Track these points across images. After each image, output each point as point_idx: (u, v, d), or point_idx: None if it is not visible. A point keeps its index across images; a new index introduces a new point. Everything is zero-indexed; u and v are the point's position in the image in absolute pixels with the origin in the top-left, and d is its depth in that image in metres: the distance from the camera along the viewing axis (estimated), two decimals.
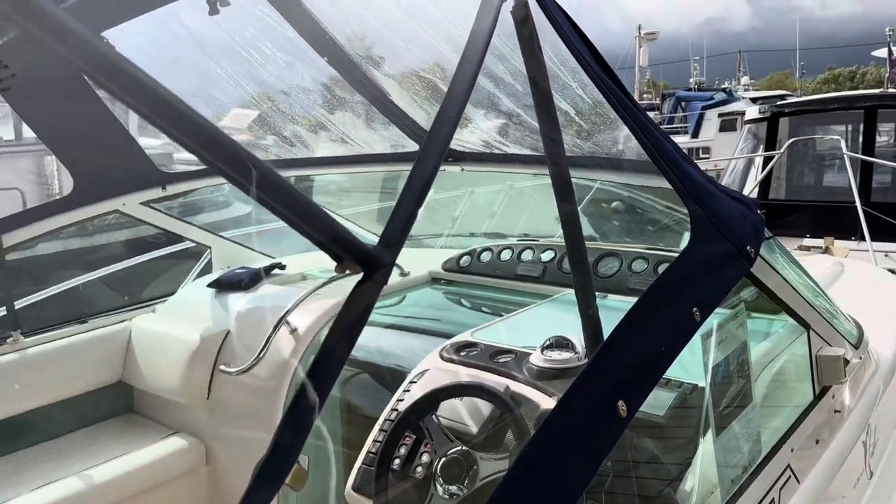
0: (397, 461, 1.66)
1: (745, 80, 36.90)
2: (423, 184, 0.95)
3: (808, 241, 6.21)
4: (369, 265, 0.84)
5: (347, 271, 0.85)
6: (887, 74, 8.12)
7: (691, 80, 33.32)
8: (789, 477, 1.60)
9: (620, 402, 1.03)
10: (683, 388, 1.55)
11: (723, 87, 31.15)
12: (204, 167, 3.00)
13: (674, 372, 1.52)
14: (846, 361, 1.85)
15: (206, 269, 3.17)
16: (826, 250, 5.74)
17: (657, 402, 1.51)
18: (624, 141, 1.53)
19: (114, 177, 2.79)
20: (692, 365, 1.53)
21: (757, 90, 34.91)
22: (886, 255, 6.08)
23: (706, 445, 1.42)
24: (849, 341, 2.02)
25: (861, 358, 2.14)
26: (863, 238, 5.88)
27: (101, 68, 0.75)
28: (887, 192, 6.73)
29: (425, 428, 1.64)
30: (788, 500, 1.58)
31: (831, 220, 6.41)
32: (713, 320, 1.48)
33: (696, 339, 1.38)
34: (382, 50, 2.15)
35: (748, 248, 1.41)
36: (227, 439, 2.60)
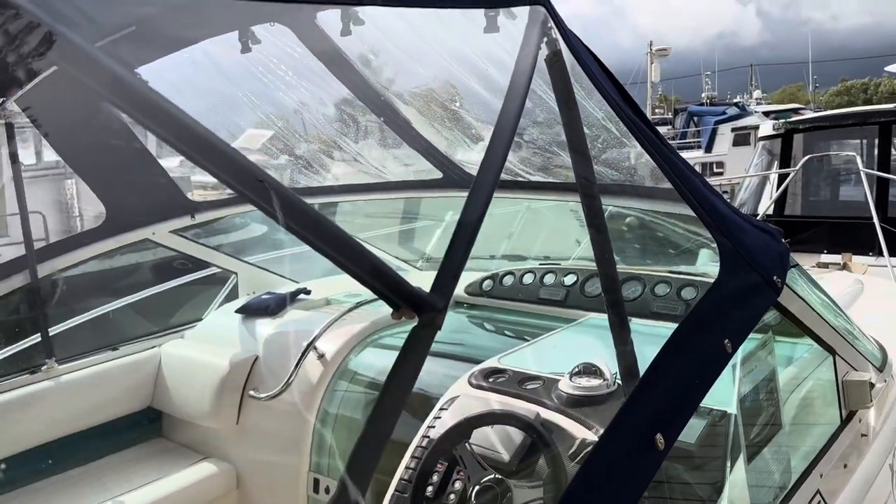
0: (430, 489, 1.68)
1: (757, 93, 36.89)
2: (471, 231, 0.99)
3: (825, 258, 6.20)
4: (423, 311, 0.88)
5: (404, 318, 0.89)
6: None
7: (703, 95, 33.34)
8: (819, 502, 1.62)
9: (658, 436, 1.06)
10: (713, 414, 1.58)
11: (735, 101, 31.14)
12: (232, 195, 3.07)
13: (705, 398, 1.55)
14: (872, 385, 1.87)
15: (232, 295, 3.23)
16: (844, 266, 5.73)
17: (688, 429, 1.54)
18: (654, 176, 1.57)
19: (144, 206, 2.86)
20: (721, 391, 1.56)
21: (769, 104, 34.88)
22: None
23: (737, 472, 1.45)
24: (873, 364, 2.03)
25: (886, 381, 2.15)
26: (881, 253, 5.86)
27: (134, 103, 0.80)
28: None
29: (458, 456, 1.67)
30: None
31: (848, 236, 6.39)
32: (743, 347, 1.51)
33: (728, 366, 1.41)
34: (407, 82, 2.21)
35: (775, 277, 1.44)
36: (256, 464, 2.64)
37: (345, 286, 3.14)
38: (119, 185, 2.77)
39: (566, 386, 1.75)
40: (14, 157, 2.49)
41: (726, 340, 1.24)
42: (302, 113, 2.57)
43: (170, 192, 2.90)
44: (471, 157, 2.43)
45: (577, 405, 1.70)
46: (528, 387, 1.86)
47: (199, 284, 3.17)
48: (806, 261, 5.99)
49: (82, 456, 2.70)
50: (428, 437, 1.84)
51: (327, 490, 2.47)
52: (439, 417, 1.90)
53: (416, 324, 0.90)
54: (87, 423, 2.74)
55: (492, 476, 1.59)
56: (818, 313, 1.70)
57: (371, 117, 2.39)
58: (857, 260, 5.96)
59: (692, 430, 1.54)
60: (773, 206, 6.87)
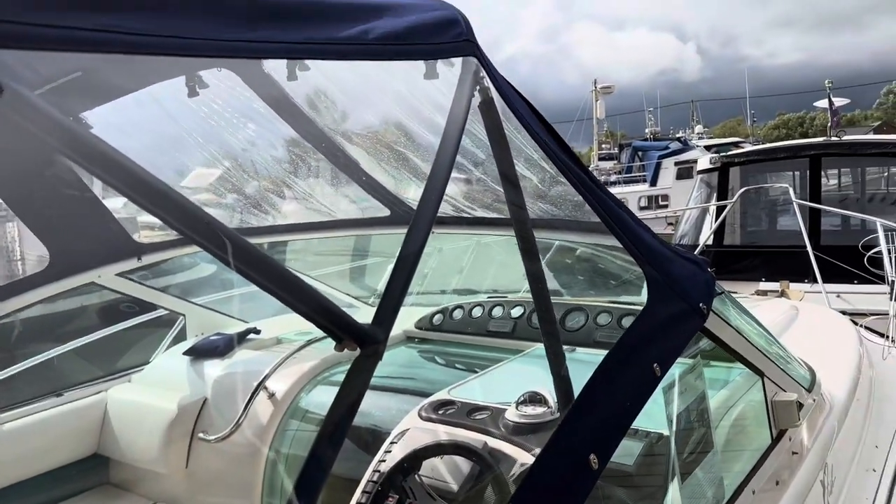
0: None
1: (698, 128, 38.20)
2: (411, 264, 1.05)
3: (764, 286, 6.45)
4: (366, 343, 0.93)
5: (346, 350, 0.93)
6: (829, 124, 8.58)
7: (647, 131, 34.39)
8: None
9: (592, 456, 1.12)
10: (650, 437, 1.65)
11: (677, 136, 32.19)
12: (179, 237, 3.07)
13: (640, 422, 1.62)
14: (800, 405, 1.97)
15: (181, 337, 3.21)
16: (782, 293, 5.97)
17: (626, 451, 1.60)
18: (586, 210, 1.65)
19: (89, 249, 2.84)
20: (657, 415, 1.64)
21: (710, 137, 36.13)
22: (839, 296, 6.31)
23: (673, 492, 1.51)
24: (802, 385, 2.14)
25: (815, 400, 2.26)
26: (815, 280, 6.12)
27: (76, 149, 0.83)
28: (836, 236, 7.03)
29: (408, 488, 1.70)
30: None
31: (785, 264, 6.65)
32: (674, 371, 1.59)
33: (659, 390, 1.48)
34: (352, 124, 2.28)
35: (701, 305, 1.53)
36: None
37: (295, 325, 3.15)
38: (62, 229, 2.75)
39: (512, 415, 1.81)
40: None
41: (655, 365, 1.31)
42: (251, 154, 2.61)
43: (115, 235, 2.89)
44: (416, 195, 2.50)
45: (522, 433, 1.76)
46: (476, 417, 1.91)
47: (147, 327, 3.14)
48: (745, 288, 6.22)
49: None
50: (378, 471, 1.86)
51: None
52: (389, 451, 1.93)
53: (357, 354, 0.95)
54: (32, 470, 2.67)
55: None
56: (746, 338, 1.80)
57: (319, 157, 2.45)
58: (794, 287, 6.22)
59: (630, 452, 1.61)
60: (712, 236, 7.13)
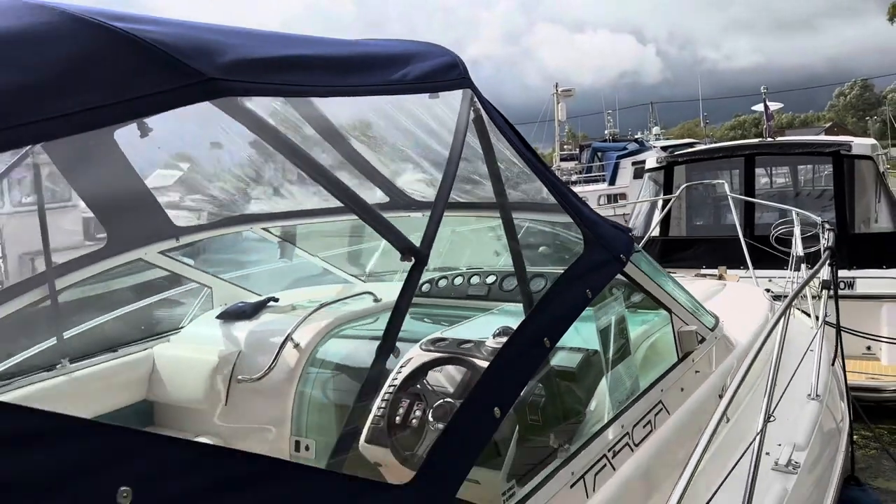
0: (398, 418, 2.36)
1: (655, 130, 39.55)
2: (439, 214, 1.71)
3: (704, 271, 7.24)
4: (419, 257, 1.59)
5: (405, 261, 1.59)
6: (764, 126, 9.48)
7: (606, 132, 35.54)
8: (661, 409, 2.41)
9: (545, 339, 1.81)
10: (588, 351, 2.35)
11: (635, 137, 33.37)
12: (210, 222, 3.70)
13: (580, 343, 2.32)
14: (699, 336, 2.70)
15: (207, 306, 3.82)
16: (720, 277, 6.77)
17: (571, 360, 2.29)
18: (539, 192, 2.32)
19: (139, 232, 3.45)
20: (592, 337, 2.34)
21: (668, 139, 37.44)
22: (770, 280, 7.13)
23: (603, 382, 2.22)
24: (705, 325, 2.87)
25: (717, 338, 3.00)
26: (749, 267, 6.93)
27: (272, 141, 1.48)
28: (768, 227, 7.87)
29: (419, 393, 2.37)
30: (661, 425, 2.38)
31: (723, 252, 7.41)
32: (602, 302, 2.30)
33: (593, 320, 2.19)
34: (365, 129, 2.92)
35: (621, 255, 2.24)
36: (244, 434, 3.23)
37: (305, 295, 3.80)
38: (119, 215, 3.36)
39: (490, 343, 2.48)
40: (38, 190, 3.05)
41: (587, 290, 2.01)
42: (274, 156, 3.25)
43: (159, 219, 3.49)
44: (412, 186, 3.16)
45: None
46: (463, 346, 2.57)
47: (181, 297, 3.75)
48: (688, 273, 7.00)
49: None
50: (393, 384, 2.51)
51: (307, 447, 3.09)
52: (399, 372, 2.58)
53: (412, 264, 1.60)
54: (93, 412, 3.26)
55: (442, 400, 2.28)
56: (656, 283, 2.52)
57: (335, 154, 3.09)
58: (731, 272, 7.02)
59: (574, 360, 2.30)
60: (658, 227, 7.93)
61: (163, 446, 1.03)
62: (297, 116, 2.51)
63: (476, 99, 1.94)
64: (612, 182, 25.38)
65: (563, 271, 2.02)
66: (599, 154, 29.05)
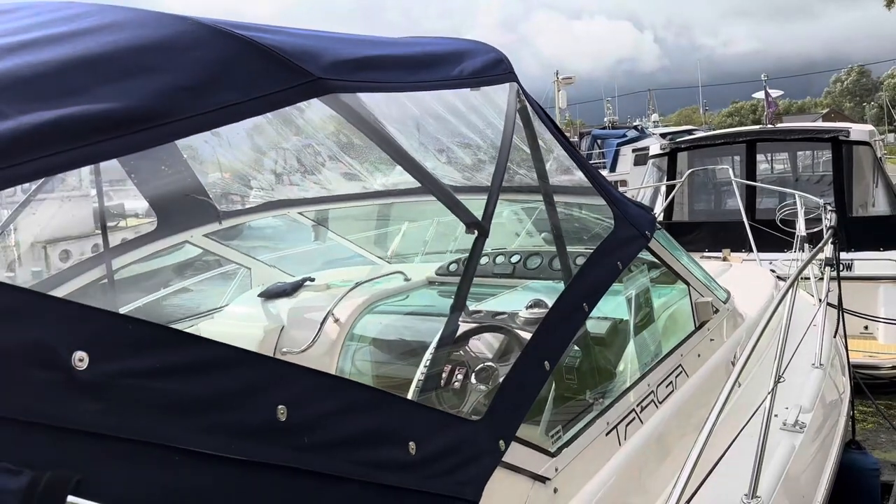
0: (441, 382, 2.61)
1: (654, 117, 39.76)
2: (496, 195, 1.93)
3: (708, 254, 7.50)
4: (481, 230, 1.82)
5: (468, 234, 1.82)
6: (765, 113, 9.70)
7: (605, 119, 35.77)
8: (681, 371, 2.66)
9: (584, 304, 2.05)
10: (615, 320, 2.59)
11: (634, 124, 33.57)
12: (249, 206, 3.94)
13: (608, 311, 2.57)
14: (714, 307, 2.95)
15: (246, 285, 4.07)
16: (724, 259, 7.02)
17: (601, 327, 2.54)
18: (575, 176, 2.56)
19: (186, 215, 3.68)
20: (619, 306, 2.58)
21: (667, 126, 37.65)
22: (771, 263, 7.38)
23: (630, 346, 2.47)
24: (718, 297, 3.12)
25: (729, 310, 3.25)
26: (752, 250, 7.18)
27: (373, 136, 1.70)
28: (770, 212, 8.11)
29: (462, 359, 2.61)
30: (681, 386, 2.63)
31: (726, 236, 7.64)
32: (630, 275, 2.54)
33: (621, 287, 2.43)
34: (405, 118, 3.14)
35: (646, 232, 2.48)
36: None
37: (337, 276, 4.04)
38: (168, 200, 3.59)
39: (524, 313, 2.72)
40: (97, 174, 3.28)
41: (618, 262, 2.25)
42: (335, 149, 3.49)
43: (204, 204, 3.73)
44: (446, 172, 3.39)
45: (531, 324, 2.67)
46: (499, 317, 2.82)
47: (222, 277, 3.99)
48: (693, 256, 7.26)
49: None
50: (435, 352, 2.75)
51: None
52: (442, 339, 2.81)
53: (476, 236, 1.84)
54: None
55: (483, 364, 2.53)
56: (676, 258, 2.76)
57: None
58: (734, 255, 7.27)
59: (604, 327, 2.54)
60: (663, 213, 8.17)
61: (307, 376, 1.27)
62: (381, 108, 2.74)
63: (521, 91, 2.18)
64: (612, 169, 25.61)
65: (596, 247, 2.26)
66: (599, 141, 29.27)
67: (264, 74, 1.41)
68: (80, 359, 0.92)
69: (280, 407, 1.16)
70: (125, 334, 1.00)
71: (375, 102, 1.81)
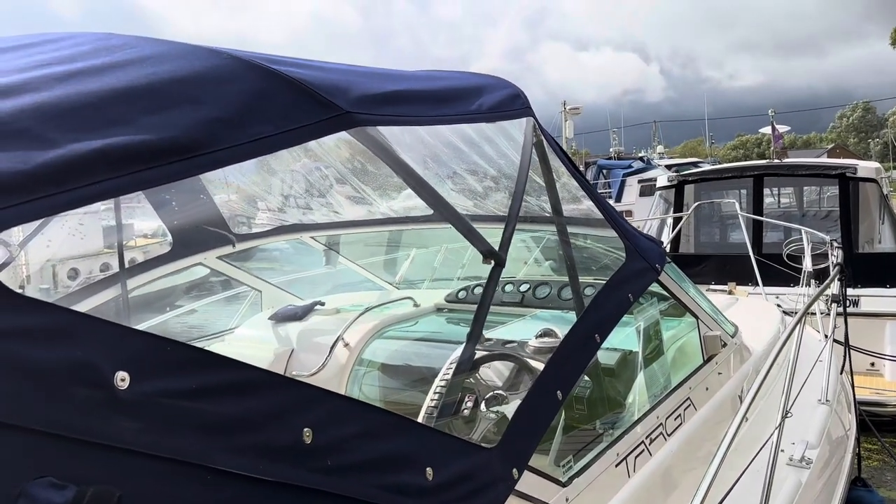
0: (452, 407, 2.62)
1: (659, 148, 39.93)
2: (512, 226, 1.98)
3: (714, 287, 7.52)
4: (498, 260, 1.87)
5: (485, 263, 1.86)
6: (772, 148, 9.78)
7: (611, 150, 35.94)
8: (689, 404, 2.68)
9: (596, 335, 2.08)
10: (624, 351, 2.62)
11: (640, 155, 33.73)
12: (264, 230, 3.99)
13: (618, 343, 2.59)
14: (722, 341, 2.97)
15: (256, 308, 4.11)
16: (730, 293, 7.04)
17: (611, 358, 2.57)
18: (588, 208, 2.61)
19: (200, 238, 3.73)
20: (629, 338, 2.61)
21: (672, 157, 37.79)
22: (777, 297, 7.39)
23: (639, 377, 2.49)
24: (726, 331, 3.15)
25: (737, 344, 3.27)
26: (758, 284, 7.20)
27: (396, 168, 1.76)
28: (776, 245, 8.14)
29: (472, 386, 2.63)
30: (689, 419, 2.64)
31: (732, 269, 7.67)
32: (640, 308, 2.58)
33: (631, 319, 2.46)
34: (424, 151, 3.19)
35: (656, 265, 2.52)
36: None
37: (346, 300, 4.08)
38: (184, 222, 3.64)
39: (534, 342, 2.75)
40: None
41: (629, 294, 2.29)
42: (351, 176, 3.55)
43: (219, 227, 3.78)
44: (462, 202, 3.43)
45: (541, 353, 2.70)
46: (508, 346, 2.85)
47: (234, 298, 4.04)
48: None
49: None
50: (445, 379, 2.78)
51: None
52: (451, 368, 2.84)
53: (492, 266, 1.87)
54: None
55: (493, 392, 2.55)
56: (686, 291, 2.79)
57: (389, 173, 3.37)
58: (740, 288, 7.29)
59: (613, 357, 2.57)
60: (669, 245, 8.21)
61: (331, 399, 1.30)
62: (405, 141, 2.78)
63: (536, 125, 2.23)
64: (618, 199, 25.67)
65: (607, 279, 2.30)
66: (605, 171, 29.38)
67: (295, 108, 1.46)
68: (122, 378, 0.95)
69: (306, 430, 1.19)
70: (164, 355, 1.04)
71: (398, 135, 1.86)
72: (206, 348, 3.70)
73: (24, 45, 1.47)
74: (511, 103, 2.19)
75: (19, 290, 1.02)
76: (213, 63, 1.44)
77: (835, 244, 5.50)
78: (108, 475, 0.92)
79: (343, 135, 1.56)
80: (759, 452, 2.72)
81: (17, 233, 3.01)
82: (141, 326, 3.61)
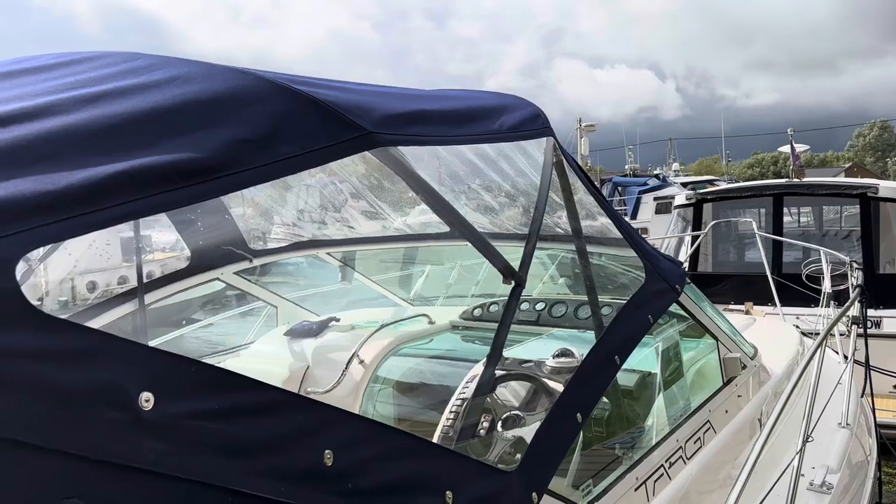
0: (468, 427, 2.60)
1: (675, 166, 39.84)
2: (532, 245, 1.97)
3: (731, 307, 7.44)
4: (518, 280, 1.86)
5: (505, 284, 1.86)
6: (791, 167, 9.73)
7: (627, 167, 35.91)
8: (709, 427, 2.64)
9: (616, 357, 2.06)
10: (644, 373, 2.60)
11: (655, 173, 33.67)
12: (281, 245, 4.01)
13: (637, 364, 2.57)
14: (742, 363, 2.94)
15: (272, 323, 4.11)
16: (747, 313, 6.96)
17: (630, 380, 2.54)
18: (607, 228, 2.59)
19: (218, 253, 3.75)
20: (648, 359, 2.59)
21: (688, 175, 37.68)
22: (797, 318, 7.31)
23: (658, 399, 2.46)
24: (745, 353, 3.11)
25: (756, 366, 3.23)
26: (776, 304, 7.12)
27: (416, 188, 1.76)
28: (795, 265, 8.07)
29: (489, 406, 2.61)
30: (708, 442, 2.61)
31: (750, 289, 7.59)
32: (660, 329, 2.55)
33: (650, 339, 2.44)
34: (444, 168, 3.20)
35: (676, 286, 2.50)
36: None
37: (361, 316, 4.08)
38: (202, 238, 3.67)
39: (551, 362, 2.73)
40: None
41: (649, 315, 2.27)
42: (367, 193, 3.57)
43: (237, 243, 3.80)
44: (481, 221, 3.43)
45: (559, 373, 2.68)
46: (525, 365, 2.82)
47: (250, 313, 4.05)
48: None
49: None
50: (461, 398, 2.76)
51: None
52: (466, 387, 2.82)
53: (512, 286, 1.86)
54: None
55: (509, 412, 2.53)
56: (705, 312, 2.77)
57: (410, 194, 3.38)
58: (758, 308, 7.21)
59: (632, 379, 2.55)
60: (687, 263, 8.15)
61: (352, 421, 1.30)
62: (426, 160, 2.79)
63: (556, 144, 2.23)
64: (633, 216, 25.64)
65: (627, 299, 2.28)
66: (620, 189, 29.37)
67: (320, 128, 1.47)
68: (147, 399, 0.95)
69: (327, 451, 1.19)
70: (188, 376, 1.04)
71: (419, 154, 1.86)
72: (225, 366, 3.73)
73: (53, 66, 1.49)
74: (531, 123, 2.19)
75: (41, 305, 1.02)
76: (240, 83, 1.45)
77: (854, 265, 5.44)
78: (132, 497, 0.92)
79: (364, 153, 1.56)
80: (780, 477, 2.68)
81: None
82: (157, 341, 3.63)
